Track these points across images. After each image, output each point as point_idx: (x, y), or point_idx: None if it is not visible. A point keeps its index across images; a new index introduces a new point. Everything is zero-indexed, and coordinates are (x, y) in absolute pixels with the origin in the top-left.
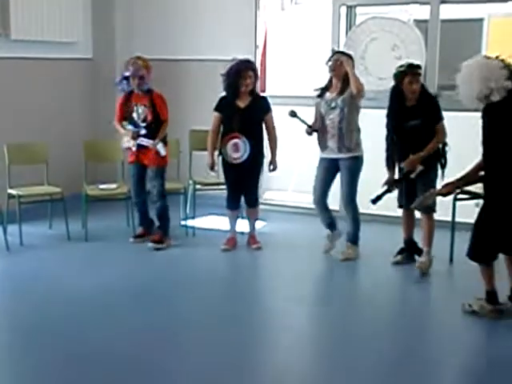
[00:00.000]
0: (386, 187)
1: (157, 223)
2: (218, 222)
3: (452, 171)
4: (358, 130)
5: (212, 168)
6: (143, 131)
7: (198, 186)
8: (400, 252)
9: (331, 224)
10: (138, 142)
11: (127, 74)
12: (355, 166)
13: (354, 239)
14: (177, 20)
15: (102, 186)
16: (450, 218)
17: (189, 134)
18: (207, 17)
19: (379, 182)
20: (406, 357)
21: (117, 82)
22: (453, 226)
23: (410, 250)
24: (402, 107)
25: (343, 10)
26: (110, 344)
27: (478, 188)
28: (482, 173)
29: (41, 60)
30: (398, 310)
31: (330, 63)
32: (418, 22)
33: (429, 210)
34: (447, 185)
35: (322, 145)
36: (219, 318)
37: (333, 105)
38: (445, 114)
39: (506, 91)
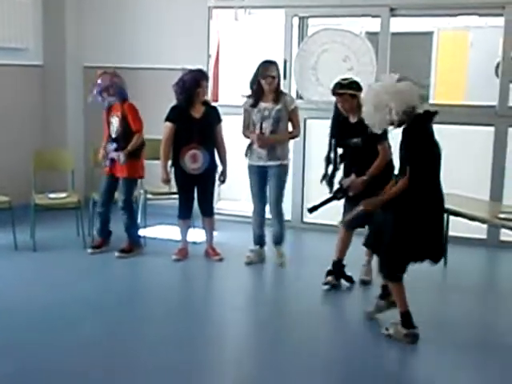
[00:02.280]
0: (326, 198)
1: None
2: (170, 231)
3: None
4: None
5: (166, 182)
6: (114, 145)
7: (149, 196)
8: (329, 274)
9: (262, 237)
10: (109, 156)
11: (98, 88)
12: (284, 173)
13: (281, 240)
14: (129, 28)
15: (51, 195)
16: None
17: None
18: (160, 26)
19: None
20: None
21: (93, 97)
22: None
23: (338, 274)
24: (345, 123)
25: (295, 20)
26: (49, 357)
27: None
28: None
29: None
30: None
31: (262, 75)
32: (369, 35)
33: None
34: (369, 202)
35: (251, 151)
36: (170, 329)
37: (266, 114)
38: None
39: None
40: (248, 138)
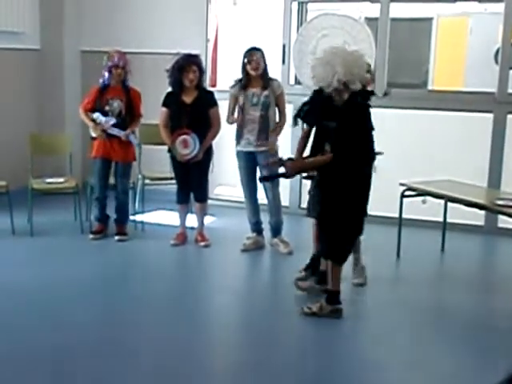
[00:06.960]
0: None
1: (114, 216)
2: (168, 217)
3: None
4: (275, 123)
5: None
6: (113, 121)
7: (147, 181)
8: (306, 269)
9: (258, 224)
10: (109, 131)
11: (111, 64)
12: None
13: (280, 230)
14: (127, 12)
15: (48, 180)
16: (397, 215)
17: (138, 128)
18: (158, 10)
19: None
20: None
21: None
22: (400, 222)
23: (315, 268)
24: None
25: (295, 5)
26: (45, 339)
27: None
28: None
29: None
30: None
31: (248, 61)
32: (369, 20)
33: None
34: (295, 161)
35: (238, 137)
36: (166, 314)
37: (254, 101)
38: (394, 111)
39: (362, 84)
40: (232, 123)
